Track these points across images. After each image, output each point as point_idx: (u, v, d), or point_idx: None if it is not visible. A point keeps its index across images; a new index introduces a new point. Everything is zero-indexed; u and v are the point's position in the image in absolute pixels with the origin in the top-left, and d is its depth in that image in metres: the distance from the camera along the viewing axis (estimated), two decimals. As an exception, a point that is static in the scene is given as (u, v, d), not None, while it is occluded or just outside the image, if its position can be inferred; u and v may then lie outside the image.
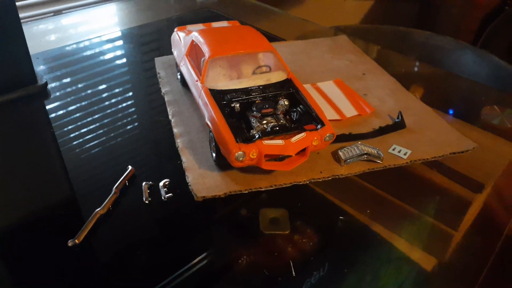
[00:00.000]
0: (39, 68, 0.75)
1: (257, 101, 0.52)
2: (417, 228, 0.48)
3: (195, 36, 0.59)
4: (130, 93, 0.69)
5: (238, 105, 0.52)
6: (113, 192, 0.48)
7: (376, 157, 0.52)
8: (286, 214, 0.47)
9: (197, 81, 0.55)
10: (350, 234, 0.46)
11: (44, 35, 0.90)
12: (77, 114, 0.64)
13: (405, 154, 0.54)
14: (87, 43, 0.86)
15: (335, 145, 0.55)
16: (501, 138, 0.62)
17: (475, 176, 0.54)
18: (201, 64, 0.55)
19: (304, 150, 0.49)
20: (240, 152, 0.46)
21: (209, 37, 0.58)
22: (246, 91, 0.53)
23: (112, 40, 0.87)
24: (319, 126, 0.49)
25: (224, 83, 0.54)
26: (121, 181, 0.49)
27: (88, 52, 0.82)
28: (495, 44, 1.51)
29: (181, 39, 0.65)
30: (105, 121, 0.62)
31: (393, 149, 0.55)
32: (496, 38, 1.52)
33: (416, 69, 0.84)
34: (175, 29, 0.69)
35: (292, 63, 0.74)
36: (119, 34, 0.91)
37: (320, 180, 0.51)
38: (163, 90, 0.67)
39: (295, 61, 0.75)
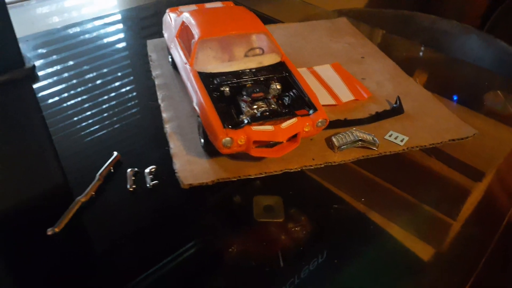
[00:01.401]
0: (30, 51, 0.73)
1: (248, 85, 0.50)
2: (414, 217, 0.46)
3: (186, 17, 0.57)
4: (121, 77, 0.67)
5: (227, 89, 0.49)
6: (96, 179, 0.46)
7: (371, 143, 0.50)
8: (280, 202, 0.45)
9: (186, 63, 0.53)
10: (346, 222, 0.45)
11: (38, 17, 0.87)
12: (65, 98, 0.62)
13: (401, 141, 0.52)
14: (81, 25, 0.83)
15: (330, 131, 0.53)
16: (503, 124, 0.60)
17: (475, 163, 0.52)
18: (191, 46, 0.53)
19: (295, 136, 0.47)
20: (227, 138, 0.44)
21: (199, 18, 0.56)
22: (237, 74, 0.51)
23: (105, 23, 0.85)
24: (311, 111, 0.47)
25: (214, 66, 0.52)
26: (105, 168, 0.48)
27: (82, 35, 0.80)
28: (502, 29, 1.47)
29: (172, 20, 0.62)
30: (93, 105, 0.60)
31: (390, 136, 0.53)
32: (503, 23, 1.48)
33: (419, 53, 0.81)
34: (167, 10, 0.67)
35: (288, 46, 0.72)
36: (114, 16, 0.88)
37: (312, 167, 0.49)
38: (153, 74, 0.65)
39: (292, 44, 0.73)
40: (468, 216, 0.47)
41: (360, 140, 0.50)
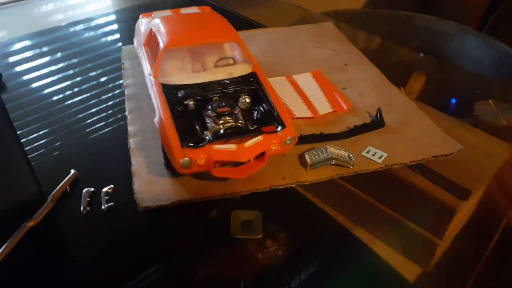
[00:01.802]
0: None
1: (214, 98, 0.47)
2: (400, 234, 0.44)
3: (154, 24, 0.54)
4: (91, 87, 0.64)
5: (192, 102, 0.46)
6: (48, 200, 0.43)
7: (345, 161, 0.47)
8: (259, 217, 0.42)
9: (150, 74, 0.49)
10: (329, 239, 0.42)
11: (15, 21, 0.85)
12: (30, 109, 0.58)
13: (380, 158, 0.48)
14: (54, 31, 0.80)
15: (304, 146, 0.50)
16: (493, 137, 0.56)
17: (461, 181, 0.49)
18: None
19: (263, 154, 0.43)
20: (186, 159, 0.40)
21: (167, 25, 0.52)
22: (204, 86, 0.48)
23: (77, 29, 0.82)
24: (279, 128, 0.44)
25: (180, 77, 0.48)
26: (59, 188, 0.45)
27: (56, 42, 0.77)
28: (502, 30, 1.42)
29: (142, 27, 0.59)
30: (57, 117, 0.57)
31: (367, 152, 0.49)
32: (503, 23, 1.44)
33: (410, 59, 0.77)
34: (140, 16, 0.64)
35: (270, 53, 0.68)
36: (89, 21, 0.85)
37: (282, 187, 0.46)
38: (124, 83, 0.61)
39: (274, 51, 0.69)
40: (455, 236, 0.44)
41: (334, 158, 0.46)
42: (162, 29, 0.51)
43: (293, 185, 0.46)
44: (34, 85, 0.64)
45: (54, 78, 0.66)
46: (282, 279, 0.38)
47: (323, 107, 0.55)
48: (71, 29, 0.81)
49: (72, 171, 0.47)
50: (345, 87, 0.60)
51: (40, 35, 0.79)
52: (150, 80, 0.49)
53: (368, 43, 0.83)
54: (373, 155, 0.49)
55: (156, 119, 0.45)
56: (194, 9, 0.64)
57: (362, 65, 0.66)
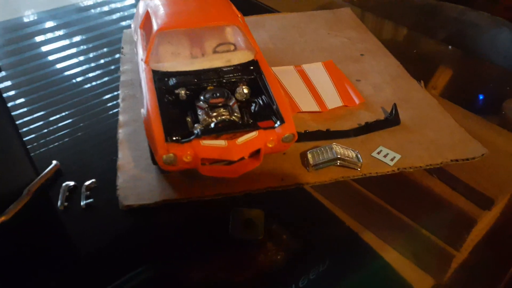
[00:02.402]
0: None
1: (209, 88, 0.42)
2: (412, 242, 0.40)
3: (151, 5, 0.49)
4: (88, 71, 0.60)
5: (184, 91, 0.42)
6: (24, 193, 0.40)
7: (352, 163, 0.42)
8: (261, 216, 0.39)
9: (142, 59, 0.45)
10: (336, 242, 0.39)
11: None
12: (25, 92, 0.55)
13: (392, 160, 0.43)
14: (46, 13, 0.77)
15: (307, 143, 0.45)
16: (523, 140, 0.50)
17: (483, 188, 0.44)
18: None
19: (259, 152, 0.39)
20: (169, 155, 0.36)
21: (164, 6, 0.48)
22: (198, 74, 0.43)
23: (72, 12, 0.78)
24: (278, 123, 0.39)
25: (173, 64, 0.44)
26: (37, 180, 0.41)
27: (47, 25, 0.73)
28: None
29: (140, 9, 0.55)
30: (46, 102, 0.53)
31: (378, 152, 0.44)
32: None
33: (433, 51, 0.71)
34: (142, -3, 0.59)
35: (279, 40, 0.63)
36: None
37: (280, 190, 0.41)
38: (121, 68, 0.57)
39: (284, 38, 0.64)
40: (474, 246, 0.39)
41: (340, 159, 0.41)
42: (159, 11, 0.47)
43: (292, 188, 0.41)
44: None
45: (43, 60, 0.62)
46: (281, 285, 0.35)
47: (333, 100, 0.50)
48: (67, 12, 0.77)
49: (54, 162, 0.43)
50: (359, 79, 0.55)
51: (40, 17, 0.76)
52: (141, 66, 0.45)
53: (392, 33, 0.77)
54: (385, 156, 0.43)
55: (142, 110, 0.41)
56: (199, -9, 0.59)
57: (379, 55, 0.60)
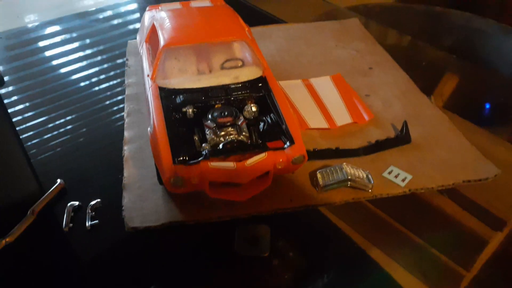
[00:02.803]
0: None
1: (216, 106, 0.42)
2: (421, 261, 0.39)
3: (157, 18, 0.49)
4: (95, 84, 0.59)
5: (191, 110, 0.41)
6: (28, 214, 0.39)
7: (363, 184, 0.41)
8: (267, 232, 0.38)
9: (148, 75, 0.44)
10: (343, 259, 0.39)
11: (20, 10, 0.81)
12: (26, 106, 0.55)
13: (403, 180, 0.42)
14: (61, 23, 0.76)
15: (316, 162, 0.44)
16: (536, 158, 0.49)
17: (495, 209, 0.43)
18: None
19: (267, 173, 0.38)
20: (177, 178, 0.35)
21: (171, 20, 0.47)
22: (205, 91, 0.42)
23: (70, 19, 0.77)
24: (287, 144, 0.38)
25: (180, 80, 0.43)
26: (42, 200, 0.40)
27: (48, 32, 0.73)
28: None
29: (146, 21, 0.54)
30: (49, 116, 0.53)
31: (389, 173, 0.43)
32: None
33: (441, 60, 0.70)
34: (147, 8, 0.58)
35: (286, 52, 0.63)
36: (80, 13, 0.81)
37: (289, 211, 0.40)
38: (126, 81, 0.57)
39: (291, 49, 0.63)
40: (484, 265, 0.39)
41: (350, 180, 0.40)
42: (165, 25, 0.46)
43: (301, 209, 0.40)
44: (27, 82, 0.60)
45: (49, 75, 0.62)
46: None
47: (342, 117, 0.49)
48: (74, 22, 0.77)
49: (58, 181, 0.42)
50: (368, 94, 0.54)
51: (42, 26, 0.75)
52: (147, 82, 0.44)
53: (397, 42, 0.76)
54: (396, 176, 0.42)
55: (149, 128, 0.40)
56: (205, 2, 0.58)
57: (388, 68, 0.59)
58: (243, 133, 0.40)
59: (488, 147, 0.48)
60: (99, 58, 0.65)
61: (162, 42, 0.44)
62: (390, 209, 0.42)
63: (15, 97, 0.57)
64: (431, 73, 0.65)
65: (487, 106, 0.61)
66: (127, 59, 0.61)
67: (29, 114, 0.53)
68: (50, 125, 0.51)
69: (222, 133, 0.39)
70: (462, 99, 0.62)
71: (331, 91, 0.53)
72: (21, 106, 0.55)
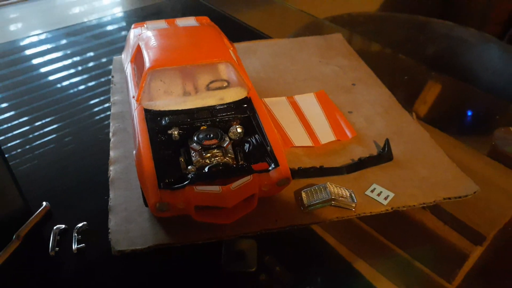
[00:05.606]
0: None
1: (202, 128, 0.42)
2: (405, 273, 0.40)
3: (143, 38, 0.49)
4: (83, 101, 0.59)
5: (176, 132, 0.41)
6: (13, 239, 0.39)
7: (346, 204, 0.42)
8: (254, 246, 0.39)
9: (133, 97, 0.45)
10: (330, 272, 0.40)
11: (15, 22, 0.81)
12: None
13: (385, 199, 0.43)
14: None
15: (301, 181, 0.45)
16: (514, 172, 0.50)
17: (475, 224, 0.44)
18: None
19: (253, 195, 0.39)
20: (162, 203, 0.36)
21: (156, 41, 0.48)
22: (191, 113, 0.43)
23: (53, 38, 0.77)
24: (272, 166, 0.39)
25: (165, 102, 0.44)
26: (27, 224, 0.40)
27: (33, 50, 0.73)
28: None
29: (131, 39, 0.54)
30: (31, 135, 0.52)
31: (372, 191, 0.44)
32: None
33: (423, 76, 0.71)
34: (132, 26, 0.59)
35: (271, 69, 0.63)
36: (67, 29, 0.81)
37: (274, 231, 0.41)
38: (112, 99, 0.57)
39: (276, 66, 0.64)
40: (464, 280, 0.40)
41: (334, 199, 0.41)
42: (150, 46, 0.47)
43: (286, 229, 0.41)
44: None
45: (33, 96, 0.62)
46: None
47: (326, 135, 0.50)
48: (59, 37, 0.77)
49: (44, 203, 0.42)
50: (351, 111, 0.55)
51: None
52: (133, 104, 0.44)
53: (380, 55, 0.77)
54: (378, 195, 0.43)
55: (134, 151, 0.40)
56: (190, 21, 0.59)
57: (370, 85, 0.60)
58: (229, 155, 0.40)
59: (468, 163, 0.50)
60: (86, 76, 0.65)
61: (147, 64, 0.44)
62: (375, 223, 0.43)
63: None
64: (412, 87, 0.66)
65: (468, 118, 0.62)
66: (112, 76, 0.61)
67: (12, 133, 0.53)
68: (36, 142, 0.51)
69: (208, 155, 0.40)
70: (443, 113, 0.63)
71: (315, 109, 0.54)
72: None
